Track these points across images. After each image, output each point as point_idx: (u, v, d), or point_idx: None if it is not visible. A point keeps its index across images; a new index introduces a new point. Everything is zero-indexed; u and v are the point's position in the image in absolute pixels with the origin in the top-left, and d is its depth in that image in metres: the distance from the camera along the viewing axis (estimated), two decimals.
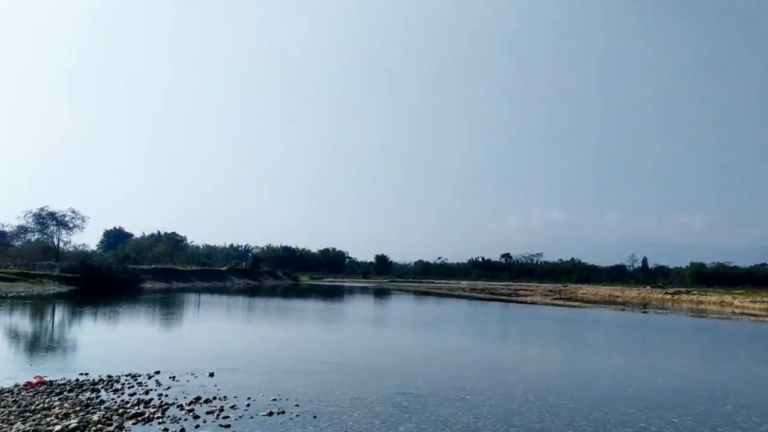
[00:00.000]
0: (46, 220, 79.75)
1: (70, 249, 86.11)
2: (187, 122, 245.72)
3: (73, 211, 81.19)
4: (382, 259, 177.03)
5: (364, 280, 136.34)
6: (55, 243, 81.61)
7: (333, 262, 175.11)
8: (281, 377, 14.68)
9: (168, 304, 43.29)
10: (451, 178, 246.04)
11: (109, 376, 13.75)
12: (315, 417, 10.77)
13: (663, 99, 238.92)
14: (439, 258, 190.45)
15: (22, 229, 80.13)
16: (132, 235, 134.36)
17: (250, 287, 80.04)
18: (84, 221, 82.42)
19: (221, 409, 11.01)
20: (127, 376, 13.96)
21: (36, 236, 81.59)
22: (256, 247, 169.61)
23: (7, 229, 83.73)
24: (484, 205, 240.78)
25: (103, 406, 10.81)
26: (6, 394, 11.60)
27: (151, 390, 12.57)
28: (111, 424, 9.60)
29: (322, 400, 12.11)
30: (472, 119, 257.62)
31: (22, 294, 44.80)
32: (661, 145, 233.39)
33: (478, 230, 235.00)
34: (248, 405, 11.48)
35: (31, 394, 11.69)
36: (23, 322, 28.86)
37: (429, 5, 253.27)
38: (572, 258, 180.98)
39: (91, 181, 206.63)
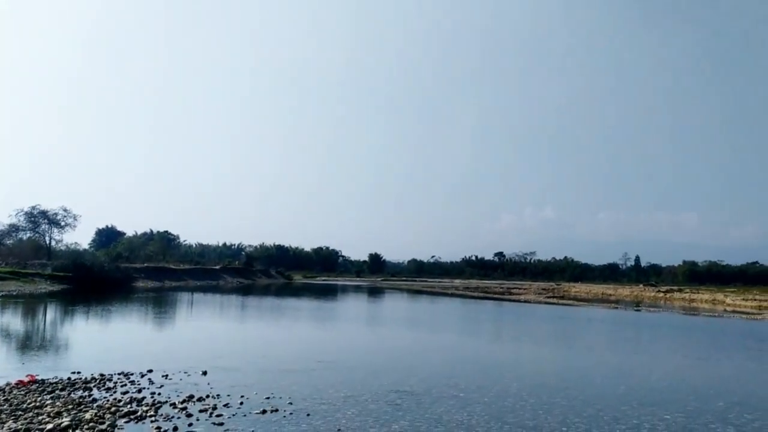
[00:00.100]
0: (38, 218, 79.38)
1: (62, 248, 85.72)
2: (182, 122, 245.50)
3: (65, 210, 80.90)
4: (375, 258, 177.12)
5: (358, 278, 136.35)
6: (47, 242, 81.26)
7: (326, 260, 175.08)
8: (274, 376, 14.65)
9: (160, 302, 43.16)
10: (445, 178, 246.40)
11: (102, 375, 13.69)
12: (308, 415, 10.76)
13: (655, 100, 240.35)
14: (433, 257, 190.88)
15: (14, 228, 79.69)
16: (124, 234, 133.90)
17: (244, 286, 79.87)
18: (76, 220, 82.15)
19: (214, 408, 10.98)
20: (119, 374, 13.91)
21: (28, 235, 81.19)
22: (249, 245, 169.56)
23: None
24: (478, 204, 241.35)
25: (95, 405, 10.76)
26: None
27: (144, 388, 12.52)
28: (103, 423, 9.56)
29: (315, 398, 12.10)
30: (468, 121, 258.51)
31: (14, 293, 44.57)
32: (654, 145, 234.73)
33: (472, 229, 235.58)
34: (241, 403, 11.46)
35: (22, 392, 11.63)
36: (15, 321, 28.70)
37: (430, 8, 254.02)
38: (565, 256, 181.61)
39: (83, 179, 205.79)
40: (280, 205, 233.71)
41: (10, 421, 9.45)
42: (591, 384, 15.27)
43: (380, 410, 11.36)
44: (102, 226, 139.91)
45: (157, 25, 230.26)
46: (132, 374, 14.00)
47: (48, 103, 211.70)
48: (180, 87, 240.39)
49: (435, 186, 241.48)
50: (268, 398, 11.95)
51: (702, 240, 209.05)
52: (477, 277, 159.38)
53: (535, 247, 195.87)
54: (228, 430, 9.68)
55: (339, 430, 9.91)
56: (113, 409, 10.46)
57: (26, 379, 12.86)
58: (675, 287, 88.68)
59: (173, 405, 11.07)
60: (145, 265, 79.42)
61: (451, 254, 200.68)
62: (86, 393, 11.83)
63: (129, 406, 10.84)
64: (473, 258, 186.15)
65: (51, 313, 33.26)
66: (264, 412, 10.85)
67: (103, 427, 9.34)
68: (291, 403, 11.57)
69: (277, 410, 10.99)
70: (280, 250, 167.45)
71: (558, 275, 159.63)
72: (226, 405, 11.25)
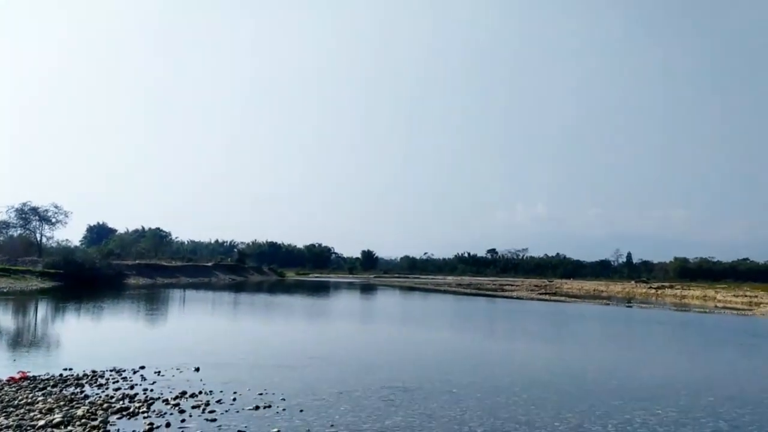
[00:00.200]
0: (29, 215, 78.95)
1: (53, 244, 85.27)
2: (173, 118, 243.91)
3: (56, 206, 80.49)
4: (368, 255, 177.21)
5: (350, 275, 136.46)
6: (38, 238, 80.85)
7: (319, 257, 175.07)
8: (267, 372, 14.63)
9: (152, 299, 43.03)
10: (436, 175, 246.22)
11: (94, 372, 13.63)
12: (302, 411, 10.75)
13: (645, 98, 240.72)
14: (425, 253, 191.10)
15: (5, 225, 79.27)
16: (115, 231, 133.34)
17: (236, 283, 79.76)
18: (67, 216, 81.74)
19: (207, 404, 10.95)
20: (111, 371, 13.85)
21: (18, 231, 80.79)
22: (242, 242, 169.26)
23: None
24: (470, 200, 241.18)
25: (87, 401, 10.71)
26: None
27: (136, 385, 12.48)
28: (95, 419, 9.52)
29: (308, 394, 12.09)
30: (459, 116, 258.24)
31: (5, 290, 44.31)
32: (645, 142, 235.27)
33: (464, 226, 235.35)
34: (234, 399, 11.43)
35: (14, 389, 11.57)
36: (6, 317, 28.54)
37: (426, 8, 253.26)
38: (558, 253, 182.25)
39: (73, 175, 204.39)
40: (272, 201, 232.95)
41: (1, 418, 9.40)
42: (583, 379, 15.33)
43: (373, 406, 11.37)
44: (93, 222, 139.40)
45: (151, 21, 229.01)
46: (124, 371, 13.95)
47: (39, 98, 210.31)
48: (173, 83, 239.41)
49: (427, 183, 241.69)
50: (261, 394, 11.93)
51: (693, 237, 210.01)
52: (469, 273, 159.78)
53: (527, 244, 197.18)
54: (221, 426, 9.65)
55: (332, 425, 9.92)
56: (105, 405, 10.42)
57: (17, 376, 12.78)
58: (666, 283, 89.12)
59: (166, 401, 11.04)
60: (137, 262, 79.10)
61: (443, 251, 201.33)
62: (78, 389, 11.77)
63: (121, 402, 10.79)
64: (466, 255, 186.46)
65: (42, 310, 33.09)
66: (257, 408, 10.84)
67: (96, 423, 9.29)
68: (284, 399, 11.56)
69: (270, 406, 10.98)
70: (273, 247, 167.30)
71: (550, 272, 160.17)
72: (218, 401, 11.23)
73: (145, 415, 10.06)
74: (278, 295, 55.86)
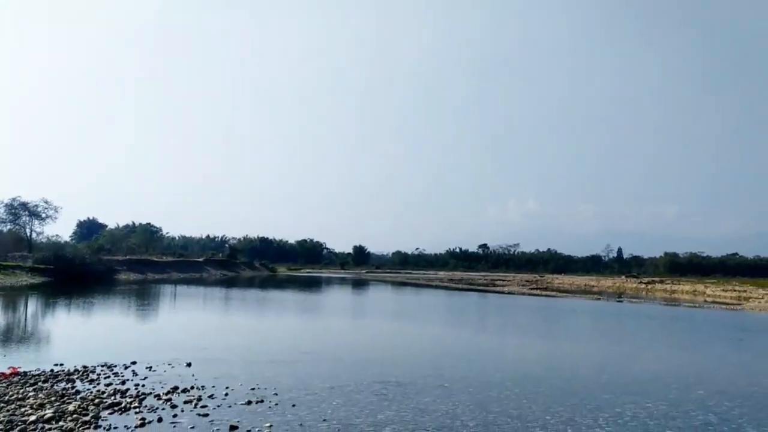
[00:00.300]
0: (18, 210, 78.26)
1: (43, 240, 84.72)
2: (166, 114, 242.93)
3: (46, 202, 79.79)
4: (360, 250, 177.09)
5: (342, 271, 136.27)
6: (28, 234, 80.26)
7: (310, 253, 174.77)
8: (260, 367, 14.63)
9: (143, 295, 42.84)
10: (428, 171, 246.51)
11: (85, 367, 13.59)
12: (294, 405, 10.76)
13: (637, 93, 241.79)
14: (417, 249, 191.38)
15: None
16: (106, 226, 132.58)
17: (227, 278, 79.56)
18: (57, 211, 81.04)
19: (199, 399, 10.94)
20: (102, 366, 13.81)
21: (8, 227, 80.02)
22: (233, 238, 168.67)
23: None
24: (462, 196, 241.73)
25: (78, 397, 10.69)
26: None
27: (128, 380, 12.45)
28: (87, 414, 9.49)
29: (301, 389, 12.10)
30: (452, 114, 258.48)
31: None
32: (636, 138, 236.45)
33: (456, 221, 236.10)
34: (226, 394, 11.43)
35: (4, 384, 11.52)
36: None
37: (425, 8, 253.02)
38: (549, 248, 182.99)
39: (63, 171, 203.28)
40: (263, 197, 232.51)
41: None
42: (574, 373, 15.41)
43: (366, 400, 11.39)
44: (83, 218, 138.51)
45: (144, 20, 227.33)
46: (115, 366, 13.91)
47: (30, 96, 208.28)
48: (164, 79, 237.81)
49: (419, 179, 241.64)
50: (253, 389, 11.93)
51: (683, 232, 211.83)
52: (461, 268, 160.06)
53: (518, 239, 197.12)
54: (213, 420, 9.65)
55: (325, 420, 9.93)
56: (97, 400, 10.40)
57: (8, 372, 12.73)
58: (656, 278, 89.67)
59: (158, 396, 11.02)
60: (128, 257, 78.71)
61: (435, 246, 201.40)
62: (69, 385, 11.74)
63: (113, 397, 10.77)
64: (457, 250, 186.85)
65: (32, 305, 32.92)
66: (249, 402, 10.84)
67: (87, 418, 9.27)
68: (276, 394, 11.57)
69: (262, 401, 10.99)
70: (264, 242, 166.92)
71: (541, 267, 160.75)
72: (210, 396, 11.21)
73: (137, 410, 10.04)
74: (270, 290, 55.78)
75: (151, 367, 13.93)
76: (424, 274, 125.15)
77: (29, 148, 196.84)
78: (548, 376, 14.68)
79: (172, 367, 14.16)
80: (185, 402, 10.68)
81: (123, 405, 10.22)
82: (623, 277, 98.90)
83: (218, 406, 10.57)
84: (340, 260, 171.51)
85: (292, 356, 16.55)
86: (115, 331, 22.56)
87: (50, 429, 8.63)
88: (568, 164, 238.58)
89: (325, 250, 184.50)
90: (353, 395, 11.80)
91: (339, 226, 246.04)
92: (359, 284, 73.91)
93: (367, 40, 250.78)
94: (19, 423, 8.88)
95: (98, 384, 11.97)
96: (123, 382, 12.20)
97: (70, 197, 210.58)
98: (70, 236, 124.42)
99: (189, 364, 14.45)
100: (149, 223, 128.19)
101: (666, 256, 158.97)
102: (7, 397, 10.41)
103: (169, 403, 10.58)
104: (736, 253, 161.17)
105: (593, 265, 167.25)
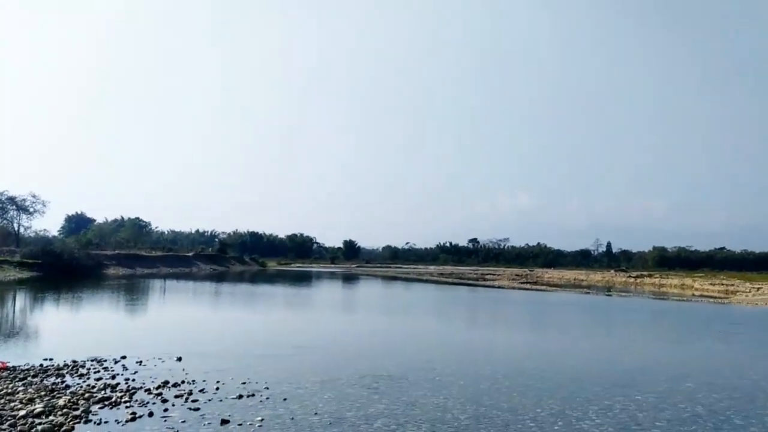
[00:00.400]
0: (6, 204, 77.77)
1: (31, 234, 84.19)
2: (153, 107, 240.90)
3: (34, 196, 79.33)
4: (350, 245, 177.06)
5: (333, 265, 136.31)
6: (16, 228, 79.76)
7: (301, 247, 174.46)
8: (251, 361, 14.61)
9: (133, 289, 42.68)
10: (417, 165, 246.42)
11: (74, 362, 13.52)
12: (285, 399, 10.76)
13: (625, 88, 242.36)
14: (407, 243, 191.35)
15: None
16: (94, 221, 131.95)
17: (217, 273, 79.35)
18: (45, 206, 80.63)
19: (190, 393, 10.91)
20: (92, 361, 13.75)
21: None
22: (223, 232, 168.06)
23: None
24: (452, 190, 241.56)
25: (68, 391, 10.63)
26: None
27: (118, 374, 12.40)
28: (77, 409, 9.45)
29: (292, 383, 12.10)
30: (440, 107, 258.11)
31: None
32: (624, 133, 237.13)
33: (446, 215, 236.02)
34: (217, 388, 11.41)
35: None
36: None
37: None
38: (538, 243, 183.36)
39: (51, 164, 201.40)
40: (253, 191, 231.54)
41: None
42: (564, 367, 15.50)
43: (357, 394, 11.41)
44: (71, 212, 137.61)
45: (127, 8, 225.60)
46: (105, 360, 13.86)
47: (13, 89, 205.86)
48: (152, 72, 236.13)
49: (409, 173, 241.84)
50: (244, 383, 11.91)
51: (671, 226, 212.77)
52: (451, 263, 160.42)
53: (508, 234, 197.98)
54: (204, 414, 9.63)
55: (316, 413, 9.94)
56: (87, 395, 10.35)
57: None
58: (645, 272, 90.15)
59: (148, 391, 10.99)
60: (116, 252, 78.25)
61: (425, 241, 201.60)
62: (59, 379, 11.68)
63: (103, 392, 10.72)
64: (447, 244, 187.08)
65: (20, 300, 32.71)
66: (240, 397, 10.83)
67: (77, 413, 9.23)
68: (267, 388, 11.56)
69: (253, 395, 10.98)
70: (254, 236, 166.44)
71: (531, 261, 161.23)
72: (201, 390, 11.19)
73: (128, 404, 10.01)
74: (260, 285, 55.69)
75: (141, 362, 13.88)
76: (414, 268, 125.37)
77: (16, 142, 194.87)
78: (539, 369, 14.75)
79: (163, 361, 14.11)
80: (176, 396, 10.65)
81: (113, 399, 10.19)
82: (612, 271, 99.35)
83: (209, 400, 10.55)
84: (331, 255, 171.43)
85: (283, 350, 16.54)
86: (105, 326, 22.46)
87: (40, 423, 8.58)
88: (557, 159, 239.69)
89: (315, 245, 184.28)
90: (344, 389, 11.81)
91: (329, 221, 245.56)
92: (349, 279, 73.95)
93: (364, 38, 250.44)
94: (9, 418, 8.83)
95: (88, 378, 11.92)
96: (113, 377, 12.15)
97: (59, 192, 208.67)
98: (58, 231, 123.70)
99: (179, 359, 14.41)
100: (138, 218, 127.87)
101: (654, 250, 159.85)
102: None
103: (159, 397, 10.55)
104: (724, 248, 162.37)
105: (583, 259, 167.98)
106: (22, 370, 12.41)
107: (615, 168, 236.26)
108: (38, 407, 9.28)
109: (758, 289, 53.64)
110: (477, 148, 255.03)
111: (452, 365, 14.82)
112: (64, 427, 8.57)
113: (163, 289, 44.86)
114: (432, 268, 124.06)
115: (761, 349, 21.04)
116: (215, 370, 13.08)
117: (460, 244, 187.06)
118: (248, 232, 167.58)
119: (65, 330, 21.09)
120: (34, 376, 11.85)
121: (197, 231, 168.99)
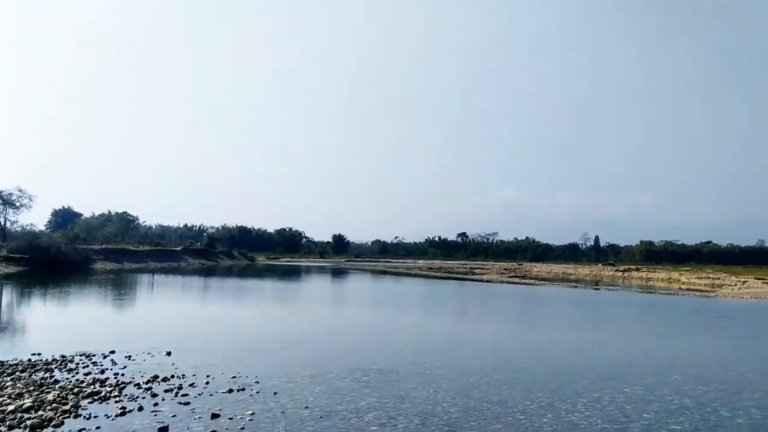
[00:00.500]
0: None
1: (18, 229, 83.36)
2: (140, 100, 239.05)
3: (20, 190, 78.60)
4: (339, 239, 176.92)
5: (322, 259, 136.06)
6: (2, 223, 79.03)
7: (290, 241, 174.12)
8: (241, 355, 14.60)
9: (120, 284, 42.44)
10: (407, 160, 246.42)
11: (63, 356, 13.47)
12: (276, 393, 10.77)
13: (615, 83, 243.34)
14: (396, 237, 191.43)
15: None
16: (81, 215, 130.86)
17: (206, 267, 79.04)
18: (31, 200, 79.94)
19: (180, 387, 10.90)
20: (81, 355, 13.69)
21: None
22: (211, 227, 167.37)
23: None
24: (441, 184, 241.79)
25: (57, 386, 10.59)
26: None
27: (107, 369, 12.36)
28: (66, 403, 9.41)
29: (282, 377, 12.11)
30: (429, 103, 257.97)
31: None
32: (613, 127, 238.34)
33: (435, 210, 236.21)
34: (207, 383, 11.40)
35: None
36: None
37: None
38: (527, 237, 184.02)
39: (37, 158, 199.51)
40: (242, 186, 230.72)
41: None
42: (553, 360, 15.61)
43: (347, 388, 11.44)
44: (58, 207, 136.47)
45: (112, 3, 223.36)
46: (94, 355, 13.80)
47: None
48: (139, 65, 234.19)
49: (398, 168, 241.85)
50: (234, 377, 11.91)
51: (659, 221, 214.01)
52: (440, 257, 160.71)
53: (497, 228, 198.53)
54: (194, 409, 9.62)
55: (307, 407, 9.95)
56: (76, 390, 10.31)
57: None
58: (633, 266, 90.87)
59: (137, 385, 10.96)
60: (104, 246, 77.71)
61: (414, 235, 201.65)
62: (48, 374, 11.62)
63: (92, 386, 10.69)
64: (436, 239, 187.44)
65: (7, 295, 32.46)
66: (230, 391, 10.83)
67: (67, 408, 9.19)
68: (258, 382, 11.57)
69: (243, 389, 10.98)
70: (243, 231, 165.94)
71: (519, 255, 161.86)
72: (191, 385, 11.18)
73: (117, 399, 9.98)
74: (249, 279, 55.56)
75: (130, 357, 13.84)
76: (403, 262, 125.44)
77: (2, 136, 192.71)
78: (528, 362, 14.85)
79: (152, 356, 14.08)
80: (166, 391, 10.64)
81: (103, 394, 10.15)
82: (600, 265, 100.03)
83: (199, 394, 10.54)
84: (320, 249, 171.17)
85: (273, 344, 16.54)
86: (93, 321, 22.32)
87: (30, 418, 8.55)
88: (545, 153, 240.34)
89: (304, 239, 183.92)
90: (335, 383, 11.84)
91: (318, 215, 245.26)
92: (339, 273, 73.92)
93: (353, 35, 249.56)
94: None
95: (77, 373, 11.87)
96: (102, 371, 12.11)
97: (45, 186, 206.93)
98: (45, 225, 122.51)
99: (169, 353, 14.38)
100: (125, 212, 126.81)
101: (642, 244, 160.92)
102: None
103: (149, 392, 10.53)
104: (710, 242, 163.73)
105: (571, 253, 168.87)
106: (10, 365, 12.34)
107: (602, 162, 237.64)
108: (27, 402, 9.24)
109: (744, 282, 54.26)
110: (465, 143, 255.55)
111: (442, 359, 14.88)
112: (54, 422, 8.54)
113: (151, 283, 44.64)
114: (421, 263, 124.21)
115: (747, 342, 21.27)
116: (205, 365, 13.07)
117: (449, 239, 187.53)
118: (237, 226, 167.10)
119: (53, 325, 20.96)
120: (22, 371, 11.78)
121: (185, 225, 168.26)
